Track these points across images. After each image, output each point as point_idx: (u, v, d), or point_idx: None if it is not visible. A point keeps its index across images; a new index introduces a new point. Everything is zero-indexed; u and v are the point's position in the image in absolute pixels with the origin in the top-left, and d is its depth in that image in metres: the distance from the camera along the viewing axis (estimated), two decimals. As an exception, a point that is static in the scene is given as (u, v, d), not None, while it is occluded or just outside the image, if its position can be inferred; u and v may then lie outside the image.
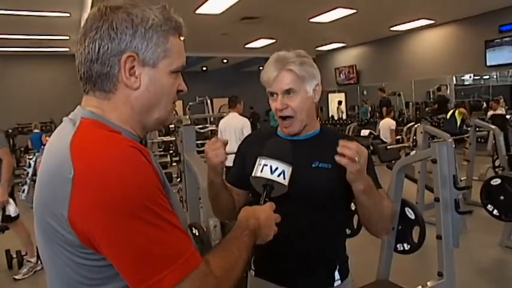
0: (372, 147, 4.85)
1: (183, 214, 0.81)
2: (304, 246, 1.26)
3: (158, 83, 0.77)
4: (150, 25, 0.74)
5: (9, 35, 7.88)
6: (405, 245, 2.27)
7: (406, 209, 2.27)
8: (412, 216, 2.27)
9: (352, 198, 1.22)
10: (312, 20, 7.99)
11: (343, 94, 13.31)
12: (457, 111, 8.02)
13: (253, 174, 1.02)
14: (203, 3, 6.47)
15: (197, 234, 2.61)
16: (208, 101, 10.21)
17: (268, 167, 1.00)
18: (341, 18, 7.83)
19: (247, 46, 10.40)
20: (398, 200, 2.35)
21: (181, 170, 3.63)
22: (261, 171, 1.01)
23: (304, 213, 1.24)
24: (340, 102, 13.17)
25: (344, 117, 13.06)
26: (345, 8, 7.22)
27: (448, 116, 8.15)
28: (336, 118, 13.01)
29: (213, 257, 0.75)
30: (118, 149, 0.66)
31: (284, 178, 1.01)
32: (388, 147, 4.56)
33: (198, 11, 6.89)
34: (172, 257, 0.66)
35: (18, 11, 6.08)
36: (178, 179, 4.31)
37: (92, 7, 3.37)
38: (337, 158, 1.07)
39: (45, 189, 0.69)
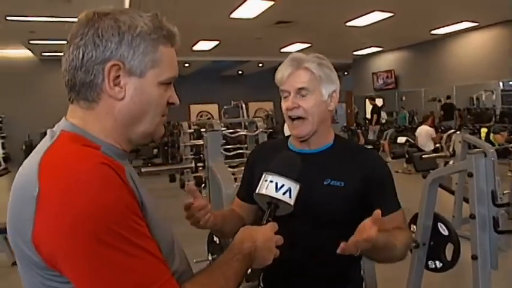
0: (407, 155, 4.66)
1: (168, 233, 0.77)
2: (314, 267, 1.19)
3: (145, 94, 0.73)
4: (137, 33, 0.71)
5: (54, 40, 8.24)
6: (437, 262, 2.16)
7: (439, 224, 2.15)
8: (445, 232, 2.15)
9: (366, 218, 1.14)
10: (348, 23, 7.88)
11: (380, 100, 12.96)
12: (492, 136, 7.02)
13: (257, 191, 0.96)
14: (237, 7, 6.53)
15: (218, 242, 2.58)
16: (243, 105, 10.23)
17: (274, 183, 0.93)
18: (378, 21, 7.69)
19: (282, 50, 10.38)
20: (430, 214, 2.23)
21: (205, 176, 3.61)
22: (266, 188, 0.94)
23: (314, 234, 1.17)
24: (382, 107, 12.83)
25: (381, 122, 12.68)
26: (382, 11, 7.07)
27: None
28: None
29: (191, 284, 0.70)
30: (86, 166, 0.62)
31: (290, 197, 0.94)
32: (424, 156, 4.35)
33: (232, 16, 6.97)
34: (142, 285, 0.62)
35: (65, 17, 6.31)
36: (203, 185, 4.31)
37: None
38: (341, 246, 0.93)
39: (13, 208, 0.66)
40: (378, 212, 0.94)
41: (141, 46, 0.70)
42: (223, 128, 5.92)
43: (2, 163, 9.93)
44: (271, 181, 0.94)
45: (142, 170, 5.72)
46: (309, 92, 1.16)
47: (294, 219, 0.99)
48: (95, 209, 0.59)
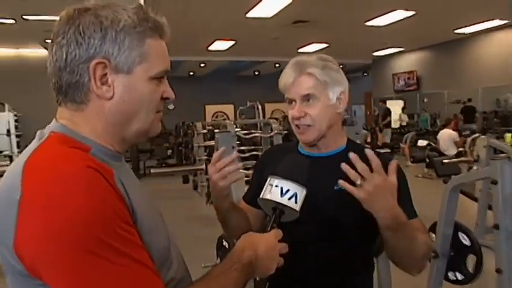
0: (427, 160, 4.46)
1: (162, 239, 0.74)
2: (323, 276, 1.15)
3: (135, 91, 0.70)
4: (121, 27, 0.67)
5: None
6: (458, 274, 2.08)
7: (460, 233, 2.09)
8: (467, 242, 2.08)
9: (377, 226, 1.14)
10: (367, 23, 7.77)
11: (401, 101, 12.72)
12: None
13: (261, 196, 0.91)
14: (254, 6, 6.49)
15: (227, 246, 2.50)
16: (259, 106, 10.14)
17: (279, 188, 0.89)
18: (399, 20, 7.54)
19: (300, 51, 10.28)
20: (450, 222, 2.15)
21: None
22: (270, 192, 0.90)
23: (324, 241, 1.13)
24: (403, 109, 12.58)
25: (402, 124, 12.45)
26: (404, 9, 6.92)
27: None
28: (393, 126, 12.44)
29: None
30: (71, 169, 0.60)
31: (296, 202, 0.89)
32: (445, 160, 4.14)
33: (248, 15, 6.94)
34: None
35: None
36: (206, 190, 4.21)
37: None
38: (340, 181, 0.96)
39: None
40: (394, 164, 0.95)
41: (126, 41, 0.68)
42: (237, 129, 5.87)
43: (18, 162, 9.98)
44: (276, 185, 0.90)
45: (152, 171, 5.72)
46: (315, 98, 1.12)
47: (303, 225, 0.99)
48: (80, 215, 0.57)
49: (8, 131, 9.96)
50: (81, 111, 0.70)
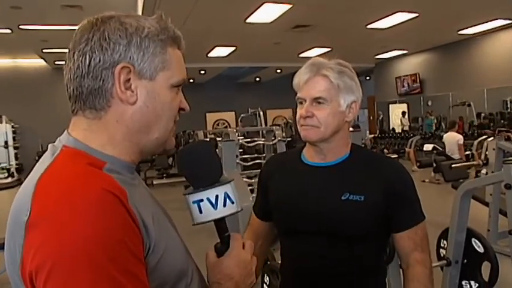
0: (434, 164, 4.32)
1: (180, 253, 0.73)
2: (332, 285, 1.15)
3: (157, 97, 0.71)
4: (146, 34, 0.69)
5: (67, 48, 8.39)
6: (472, 282, 2.03)
7: (473, 240, 2.03)
8: (481, 250, 2.03)
9: (386, 231, 1.15)
10: (369, 26, 7.72)
11: (405, 105, 12.63)
12: None
13: (194, 221, 0.75)
14: (253, 12, 6.45)
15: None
16: (261, 113, 10.05)
17: (206, 202, 0.73)
18: (402, 23, 7.47)
19: (301, 55, 10.22)
20: (462, 228, 2.11)
21: None
22: (200, 212, 0.73)
23: (333, 252, 1.13)
24: (404, 113, 12.49)
25: (404, 129, 12.42)
26: (406, 12, 6.85)
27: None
28: (397, 131, 12.47)
29: None
30: (88, 194, 0.57)
31: (233, 202, 0.74)
32: (453, 165, 4.00)
33: (248, 20, 6.92)
34: None
35: (78, 26, 6.35)
36: None
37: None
38: None
39: (7, 234, 0.62)
40: None
41: (150, 48, 0.69)
42: (240, 137, 5.75)
43: (15, 174, 9.96)
44: (200, 200, 0.73)
45: (155, 182, 5.54)
46: (325, 101, 1.11)
47: (311, 235, 1.01)
48: (90, 247, 0.54)
49: (6, 142, 9.93)
50: (99, 119, 0.69)
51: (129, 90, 0.68)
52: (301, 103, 1.14)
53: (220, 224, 0.76)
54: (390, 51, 11.18)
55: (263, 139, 6.30)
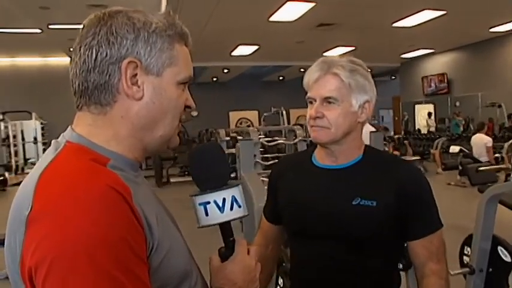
0: (460, 167, 4.17)
1: (183, 253, 0.71)
2: None
3: (164, 93, 0.70)
4: (153, 29, 0.68)
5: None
6: None
7: (499, 248, 1.97)
8: (508, 259, 1.95)
9: (400, 239, 1.10)
10: (395, 24, 7.59)
11: (431, 105, 12.35)
12: None
13: (200, 224, 0.74)
14: (276, 10, 6.44)
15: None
16: (284, 112, 10.00)
17: (212, 204, 0.72)
18: (428, 21, 7.30)
19: (325, 54, 10.09)
20: (488, 235, 2.01)
21: None
22: (206, 214, 0.72)
23: (344, 258, 1.08)
24: (430, 114, 12.20)
25: (430, 130, 12.14)
26: (433, 9, 6.68)
27: None
28: (422, 132, 12.20)
29: None
30: (91, 190, 0.57)
31: (240, 206, 0.73)
32: (480, 168, 3.85)
33: (271, 19, 6.91)
34: None
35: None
36: None
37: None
38: None
39: (8, 229, 0.61)
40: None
41: (157, 43, 0.69)
42: (261, 136, 5.73)
43: (44, 169, 10.25)
44: (207, 202, 0.72)
45: (172, 180, 5.58)
46: (336, 101, 1.06)
47: (320, 240, 0.98)
48: (92, 243, 0.53)
49: (35, 138, 10.26)
50: (104, 114, 0.68)
51: (136, 86, 0.67)
52: (311, 103, 1.10)
53: (225, 228, 0.74)
54: (416, 50, 10.97)
55: (284, 138, 6.27)
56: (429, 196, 1.10)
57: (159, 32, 0.68)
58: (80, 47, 0.67)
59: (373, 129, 5.02)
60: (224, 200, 0.72)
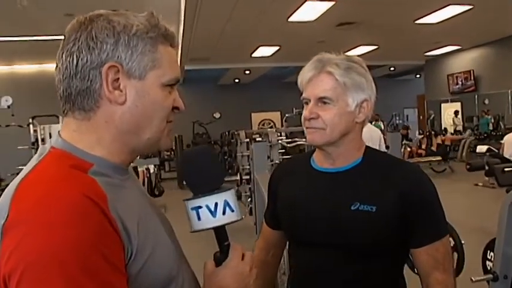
0: (486, 167, 4.01)
1: (169, 259, 0.70)
2: None
3: (148, 97, 0.69)
4: (134, 32, 0.68)
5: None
6: None
7: None
8: None
9: (404, 246, 1.04)
10: (418, 21, 7.38)
11: (458, 104, 11.98)
12: None
13: (192, 229, 0.74)
14: (295, 10, 6.37)
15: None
16: (305, 112, 9.92)
17: (204, 208, 0.71)
18: (453, 16, 7.06)
19: (347, 54, 9.95)
20: (510, 242, 1.89)
21: (251, 190, 3.48)
22: (199, 219, 0.72)
23: (342, 266, 1.05)
24: (456, 113, 11.84)
25: (457, 129, 11.79)
26: (458, 4, 6.46)
27: None
28: (449, 131, 11.85)
29: None
30: (65, 199, 0.57)
31: (232, 210, 0.72)
32: (507, 168, 3.68)
33: (290, 19, 6.84)
34: None
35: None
36: (249, 199, 4.12)
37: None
38: None
39: None
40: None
41: (139, 46, 0.68)
42: (282, 137, 5.69)
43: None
44: (199, 207, 0.72)
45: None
46: (331, 101, 1.02)
47: (319, 248, 0.95)
48: (63, 253, 0.53)
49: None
50: (88, 119, 0.68)
51: (118, 90, 0.67)
52: (306, 103, 1.05)
53: (219, 232, 0.73)
54: (441, 47, 10.64)
55: (304, 139, 6.20)
56: (434, 200, 1.04)
57: (140, 35, 0.68)
58: (63, 53, 0.68)
59: (375, 129, 4.89)
60: (216, 204, 0.71)
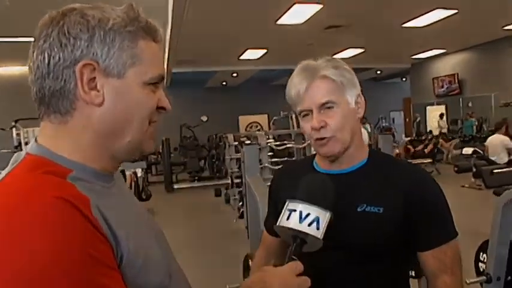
0: (474, 169, 4.05)
1: (160, 264, 0.68)
2: None
3: (128, 96, 0.64)
4: (110, 26, 0.62)
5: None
6: None
7: None
8: None
9: (407, 247, 1.03)
10: (405, 25, 7.47)
11: (442, 107, 12.19)
12: None
13: (277, 223, 0.84)
14: (284, 13, 6.38)
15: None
16: (293, 116, 9.95)
17: (297, 213, 0.82)
18: (439, 20, 7.16)
19: (335, 57, 10.02)
20: (505, 241, 1.92)
21: (243, 193, 3.44)
22: (287, 218, 0.82)
23: (348, 269, 1.03)
24: (441, 115, 12.02)
25: (442, 132, 11.94)
26: (444, 8, 6.55)
27: None
28: (434, 133, 11.95)
29: None
30: (36, 205, 0.53)
31: (318, 228, 0.80)
32: (495, 170, 3.73)
33: (279, 22, 6.85)
34: None
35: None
36: (240, 203, 4.09)
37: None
38: None
39: None
40: None
41: (116, 41, 0.62)
42: (270, 140, 5.68)
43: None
44: (294, 210, 0.83)
45: (175, 186, 5.60)
46: (334, 104, 1.00)
47: (323, 251, 0.92)
48: (38, 261, 0.49)
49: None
50: (65, 123, 0.63)
51: (94, 90, 0.62)
52: (306, 115, 1.02)
53: (297, 244, 0.81)
54: (427, 50, 10.80)
55: (293, 142, 6.21)
56: (438, 201, 1.03)
57: (117, 29, 0.62)
58: (34, 51, 0.63)
59: (363, 131, 4.94)
60: (308, 215, 0.81)
